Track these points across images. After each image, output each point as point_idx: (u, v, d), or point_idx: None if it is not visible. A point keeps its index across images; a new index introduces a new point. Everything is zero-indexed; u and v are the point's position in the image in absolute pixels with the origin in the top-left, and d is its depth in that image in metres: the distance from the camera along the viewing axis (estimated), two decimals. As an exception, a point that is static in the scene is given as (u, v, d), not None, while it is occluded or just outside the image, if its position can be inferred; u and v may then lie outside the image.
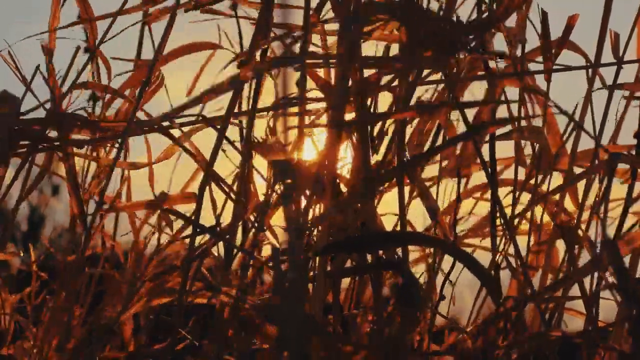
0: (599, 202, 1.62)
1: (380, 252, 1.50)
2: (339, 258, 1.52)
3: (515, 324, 1.53)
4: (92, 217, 1.73)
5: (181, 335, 1.67)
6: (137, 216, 1.82)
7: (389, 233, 1.55)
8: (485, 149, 1.61)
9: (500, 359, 1.53)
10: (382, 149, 1.61)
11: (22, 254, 1.89)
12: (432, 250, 1.71)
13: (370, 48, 1.59)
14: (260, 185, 1.65)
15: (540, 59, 1.64)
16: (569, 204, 1.70)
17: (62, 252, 1.78)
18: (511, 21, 1.63)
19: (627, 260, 1.66)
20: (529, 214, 1.68)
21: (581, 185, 1.69)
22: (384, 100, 1.61)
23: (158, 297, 1.64)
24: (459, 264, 1.55)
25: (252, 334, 1.56)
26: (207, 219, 1.63)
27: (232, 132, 1.67)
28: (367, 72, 1.53)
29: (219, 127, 1.60)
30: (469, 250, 1.72)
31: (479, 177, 1.76)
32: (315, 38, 1.64)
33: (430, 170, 1.70)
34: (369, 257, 1.50)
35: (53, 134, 1.71)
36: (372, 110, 1.57)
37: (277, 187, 1.57)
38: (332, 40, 1.63)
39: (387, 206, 1.67)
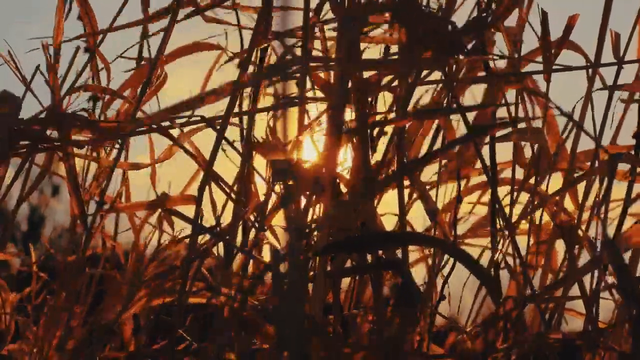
0: (599, 202, 1.62)
1: (380, 252, 1.50)
2: (339, 258, 1.52)
3: (515, 324, 1.53)
4: (93, 217, 1.73)
5: (181, 335, 1.67)
6: (138, 216, 1.82)
7: (389, 233, 1.55)
8: (485, 150, 1.61)
9: (500, 359, 1.54)
10: (382, 149, 1.61)
11: (22, 254, 1.89)
12: (432, 250, 1.71)
13: (370, 46, 1.59)
14: (260, 185, 1.65)
15: (540, 59, 1.64)
16: (568, 204, 1.70)
17: (62, 253, 1.78)
18: (511, 21, 1.63)
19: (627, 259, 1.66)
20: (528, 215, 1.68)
21: (581, 185, 1.69)
22: (384, 101, 1.61)
23: (158, 297, 1.64)
24: (458, 264, 1.55)
25: (252, 334, 1.56)
26: (207, 219, 1.63)
27: (232, 132, 1.67)
28: (367, 73, 1.54)
29: (218, 127, 1.60)
30: (468, 250, 1.72)
31: (478, 177, 1.76)
32: (315, 38, 1.64)
33: (430, 172, 1.70)
34: (369, 257, 1.50)
35: (53, 134, 1.72)
36: (371, 110, 1.57)
37: (277, 187, 1.57)
38: (331, 40, 1.63)
39: (387, 206, 1.67)
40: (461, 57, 1.56)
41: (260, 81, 1.63)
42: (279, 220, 1.62)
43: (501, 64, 1.65)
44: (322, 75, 1.58)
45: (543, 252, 1.71)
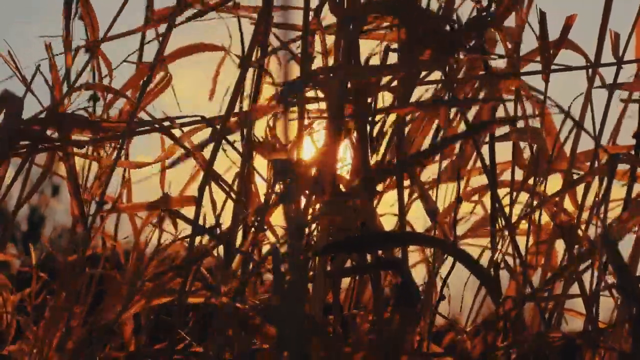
0: (598, 202, 1.62)
1: (380, 252, 1.50)
2: (339, 258, 1.52)
3: (514, 323, 1.53)
4: (93, 217, 1.73)
5: (181, 336, 1.67)
6: (140, 216, 1.82)
7: (389, 233, 1.55)
8: (485, 150, 1.61)
9: (500, 359, 1.54)
10: (382, 149, 1.61)
11: (22, 255, 1.89)
12: (432, 250, 1.71)
13: (370, 46, 1.59)
14: (260, 185, 1.65)
15: (539, 59, 1.64)
16: (568, 204, 1.70)
17: (62, 253, 1.78)
18: (510, 21, 1.63)
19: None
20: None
21: (581, 185, 1.69)
22: (384, 101, 1.61)
23: (158, 297, 1.64)
24: (458, 265, 1.55)
25: (252, 334, 1.56)
26: (207, 218, 1.63)
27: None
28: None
29: (218, 127, 1.61)
30: (468, 250, 1.72)
31: (478, 177, 1.76)
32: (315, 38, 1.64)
33: (430, 173, 1.70)
34: (368, 257, 1.50)
35: (53, 134, 1.72)
36: (371, 110, 1.57)
37: (277, 187, 1.57)
38: (331, 40, 1.63)
39: (387, 206, 1.67)
40: (461, 56, 1.56)
41: (261, 84, 1.63)
42: (279, 220, 1.62)
43: (501, 63, 1.65)
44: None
45: (543, 252, 1.71)
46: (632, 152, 1.65)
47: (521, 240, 1.65)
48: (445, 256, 1.64)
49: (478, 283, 1.77)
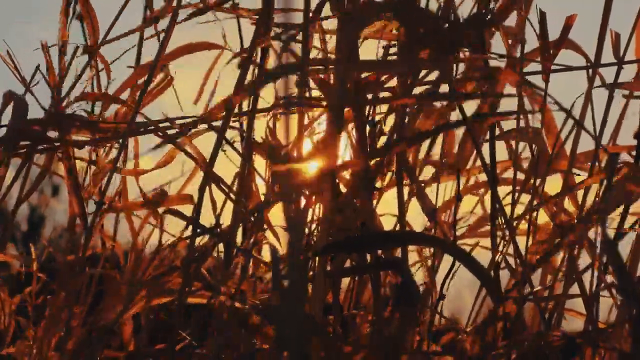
0: (598, 202, 1.62)
1: (380, 252, 1.50)
2: (338, 258, 1.52)
3: (514, 323, 1.53)
4: (93, 217, 1.73)
5: (181, 336, 1.67)
6: (139, 216, 1.82)
7: (388, 233, 1.55)
8: (485, 150, 1.61)
9: (500, 359, 1.53)
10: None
11: (22, 255, 1.89)
12: (431, 250, 1.71)
13: (370, 46, 1.59)
14: (260, 185, 1.65)
15: (539, 58, 1.64)
16: (568, 204, 1.70)
17: (61, 252, 1.78)
18: (510, 21, 1.63)
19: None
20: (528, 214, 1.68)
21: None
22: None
23: (158, 297, 1.64)
24: (458, 265, 1.55)
25: (252, 334, 1.56)
26: (207, 218, 1.64)
27: (232, 133, 1.67)
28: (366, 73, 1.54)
29: (218, 128, 1.61)
30: (468, 249, 1.72)
31: (478, 177, 1.76)
32: (315, 38, 1.64)
33: (430, 172, 1.70)
34: (368, 257, 1.50)
35: (53, 134, 1.72)
36: (371, 110, 1.57)
37: (277, 187, 1.57)
38: (331, 40, 1.63)
39: (386, 206, 1.67)
40: (461, 56, 1.56)
41: (261, 83, 1.63)
42: (279, 220, 1.62)
43: (501, 63, 1.65)
44: (321, 75, 1.58)
45: (543, 252, 1.71)
46: (633, 153, 1.65)
47: (521, 240, 1.65)
48: (446, 258, 1.64)
49: (478, 283, 1.77)
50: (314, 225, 1.55)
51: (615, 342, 1.59)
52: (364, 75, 1.53)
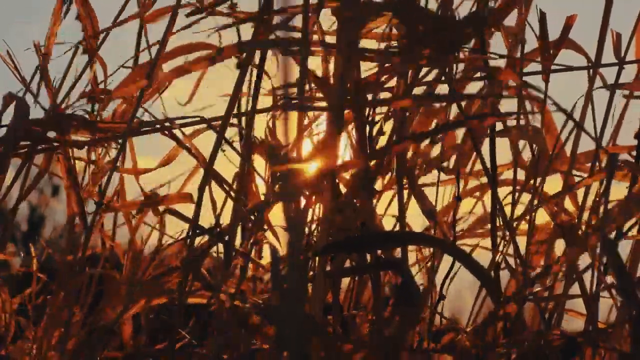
0: (598, 202, 1.62)
1: (380, 252, 1.50)
2: (338, 258, 1.52)
3: (514, 323, 1.53)
4: (93, 217, 1.73)
5: (181, 336, 1.67)
6: (134, 217, 1.82)
7: (388, 233, 1.55)
8: (485, 151, 1.61)
9: (500, 359, 1.53)
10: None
11: (22, 255, 1.89)
12: (430, 251, 1.70)
13: (370, 46, 1.59)
14: (260, 185, 1.65)
15: (539, 59, 1.64)
16: (568, 204, 1.70)
17: (61, 252, 1.78)
18: (510, 21, 1.63)
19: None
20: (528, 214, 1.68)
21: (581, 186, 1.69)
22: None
23: (158, 297, 1.64)
24: (457, 265, 1.55)
25: (252, 334, 1.56)
26: (206, 218, 1.63)
27: (231, 132, 1.68)
28: (366, 73, 1.54)
29: (218, 128, 1.61)
30: (468, 250, 1.72)
31: (478, 177, 1.76)
32: (315, 38, 1.64)
33: (429, 177, 1.70)
34: (368, 257, 1.50)
35: (52, 134, 1.72)
36: (370, 110, 1.57)
37: (277, 187, 1.57)
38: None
39: (386, 206, 1.67)
40: (461, 56, 1.56)
41: (261, 79, 1.63)
42: (279, 220, 1.62)
43: (501, 63, 1.65)
44: (320, 74, 1.58)
45: (543, 252, 1.71)
46: (633, 153, 1.65)
47: (521, 241, 1.65)
48: (444, 256, 1.64)
49: (478, 283, 1.77)
50: (314, 225, 1.55)
51: (615, 342, 1.59)
52: (364, 75, 1.53)
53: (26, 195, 1.79)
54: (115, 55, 1.80)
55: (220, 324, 1.57)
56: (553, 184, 1.69)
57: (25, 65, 1.75)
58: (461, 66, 1.60)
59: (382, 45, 1.59)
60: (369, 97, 1.55)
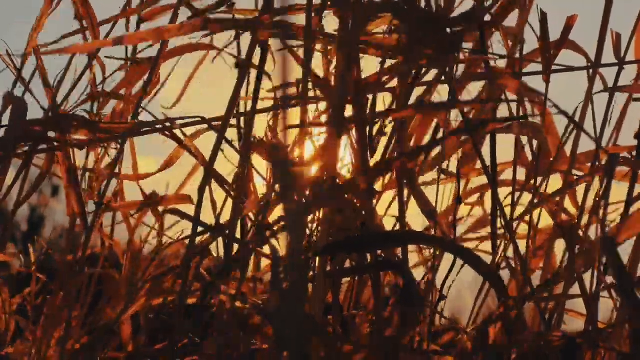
0: (598, 203, 1.62)
1: (380, 252, 1.50)
2: (338, 258, 1.52)
3: (514, 323, 1.53)
4: (93, 217, 1.73)
5: (181, 335, 1.67)
6: (133, 217, 1.82)
7: (389, 233, 1.55)
8: (485, 151, 1.61)
9: (500, 358, 1.53)
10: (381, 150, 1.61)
11: (22, 255, 1.89)
12: (431, 251, 1.70)
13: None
14: (260, 185, 1.65)
15: (539, 59, 1.64)
16: (569, 205, 1.70)
17: (61, 253, 1.78)
18: (510, 21, 1.63)
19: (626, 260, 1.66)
20: (528, 215, 1.68)
21: (581, 186, 1.69)
22: (384, 101, 1.61)
23: (158, 297, 1.64)
24: (458, 265, 1.55)
25: (252, 334, 1.56)
26: (206, 218, 1.63)
27: (231, 132, 1.67)
28: (366, 73, 1.54)
29: (218, 128, 1.61)
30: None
31: (478, 178, 1.76)
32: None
33: (430, 174, 1.70)
34: (368, 257, 1.50)
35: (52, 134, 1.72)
36: (371, 110, 1.57)
37: (276, 187, 1.57)
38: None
39: (386, 206, 1.67)
40: (461, 56, 1.56)
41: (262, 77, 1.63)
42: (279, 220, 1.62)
43: (501, 63, 1.65)
44: (321, 74, 1.58)
45: (543, 252, 1.71)
46: (633, 153, 1.65)
47: (521, 241, 1.64)
48: (444, 256, 1.64)
49: (478, 283, 1.77)
50: (314, 225, 1.55)
51: (615, 343, 1.59)
52: (364, 75, 1.53)
53: (27, 197, 1.79)
54: (115, 55, 1.80)
55: (220, 324, 1.57)
56: (553, 184, 1.69)
57: (25, 65, 1.75)
58: (461, 66, 1.60)
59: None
60: (369, 96, 1.55)
